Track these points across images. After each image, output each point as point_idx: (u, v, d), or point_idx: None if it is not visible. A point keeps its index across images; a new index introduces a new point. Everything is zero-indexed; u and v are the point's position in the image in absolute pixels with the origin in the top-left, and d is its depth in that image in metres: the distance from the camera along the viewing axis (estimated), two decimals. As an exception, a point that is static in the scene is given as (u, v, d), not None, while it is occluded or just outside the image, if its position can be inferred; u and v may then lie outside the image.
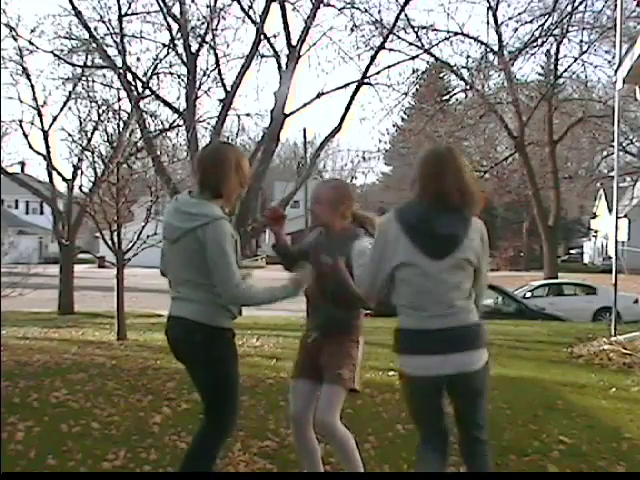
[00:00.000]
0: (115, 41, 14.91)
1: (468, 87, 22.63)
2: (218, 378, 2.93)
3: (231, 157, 2.95)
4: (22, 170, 27.63)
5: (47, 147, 17.49)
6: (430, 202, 2.64)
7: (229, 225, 2.89)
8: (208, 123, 15.13)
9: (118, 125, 11.89)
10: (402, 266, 2.64)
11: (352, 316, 3.30)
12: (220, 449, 3.02)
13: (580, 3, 20.82)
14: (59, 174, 17.70)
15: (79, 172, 13.89)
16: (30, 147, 17.50)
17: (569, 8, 20.98)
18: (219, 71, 14.48)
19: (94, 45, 14.96)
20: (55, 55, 15.92)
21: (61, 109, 17.40)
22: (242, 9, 14.27)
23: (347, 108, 14.58)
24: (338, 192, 3.31)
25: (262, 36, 13.85)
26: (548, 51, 23.69)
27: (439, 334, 2.62)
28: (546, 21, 21.23)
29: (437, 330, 2.62)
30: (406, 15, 17.95)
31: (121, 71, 14.30)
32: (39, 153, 17.63)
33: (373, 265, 2.74)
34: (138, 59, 15.35)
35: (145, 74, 15.29)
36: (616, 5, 10.69)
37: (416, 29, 18.81)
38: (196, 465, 2.94)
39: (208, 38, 14.38)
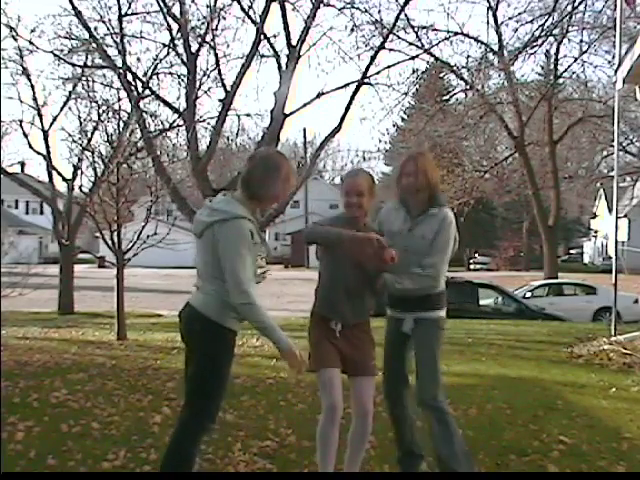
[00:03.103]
0: (115, 41, 14.84)
1: (468, 87, 22.65)
2: (206, 372, 2.93)
3: (284, 167, 2.99)
4: (22, 170, 27.65)
5: (47, 147, 17.50)
6: None
7: (249, 225, 2.88)
8: (208, 123, 15.06)
9: (118, 125, 11.86)
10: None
11: (370, 303, 3.42)
12: (196, 444, 2.97)
13: (580, 3, 20.89)
14: (59, 174, 17.70)
15: (79, 172, 13.87)
16: (30, 147, 17.50)
17: (569, 8, 21.03)
18: (219, 71, 14.41)
19: (94, 45, 14.89)
20: (55, 55, 15.86)
21: (61, 109, 17.42)
22: (242, 9, 14.21)
23: (347, 108, 14.52)
24: (372, 182, 3.37)
25: (262, 36, 13.79)
26: (548, 51, 23.76)
27: None
28: (546, 21, 21.30)
29: None
30: (406, 15, 17.94)
31: (121, 71, 14.24)
32: (39, 153, 17.62)
33: (450, 254, 3.39)
34: (138, 59, 15.28)
35: (145, 74, 15.23)
36: (616, 5, 10.67)
37: (416, 29, 18.81)
38: (172, 459, 2.93)
39: (208, 38, 14.31)
